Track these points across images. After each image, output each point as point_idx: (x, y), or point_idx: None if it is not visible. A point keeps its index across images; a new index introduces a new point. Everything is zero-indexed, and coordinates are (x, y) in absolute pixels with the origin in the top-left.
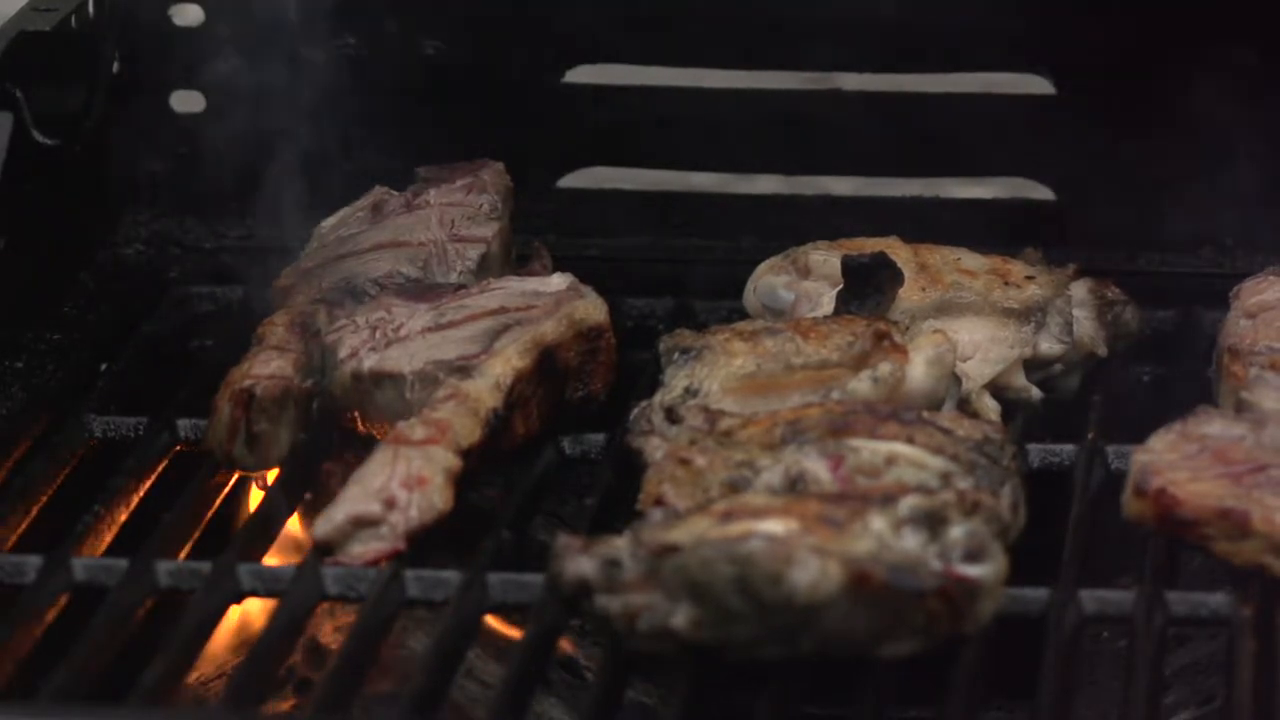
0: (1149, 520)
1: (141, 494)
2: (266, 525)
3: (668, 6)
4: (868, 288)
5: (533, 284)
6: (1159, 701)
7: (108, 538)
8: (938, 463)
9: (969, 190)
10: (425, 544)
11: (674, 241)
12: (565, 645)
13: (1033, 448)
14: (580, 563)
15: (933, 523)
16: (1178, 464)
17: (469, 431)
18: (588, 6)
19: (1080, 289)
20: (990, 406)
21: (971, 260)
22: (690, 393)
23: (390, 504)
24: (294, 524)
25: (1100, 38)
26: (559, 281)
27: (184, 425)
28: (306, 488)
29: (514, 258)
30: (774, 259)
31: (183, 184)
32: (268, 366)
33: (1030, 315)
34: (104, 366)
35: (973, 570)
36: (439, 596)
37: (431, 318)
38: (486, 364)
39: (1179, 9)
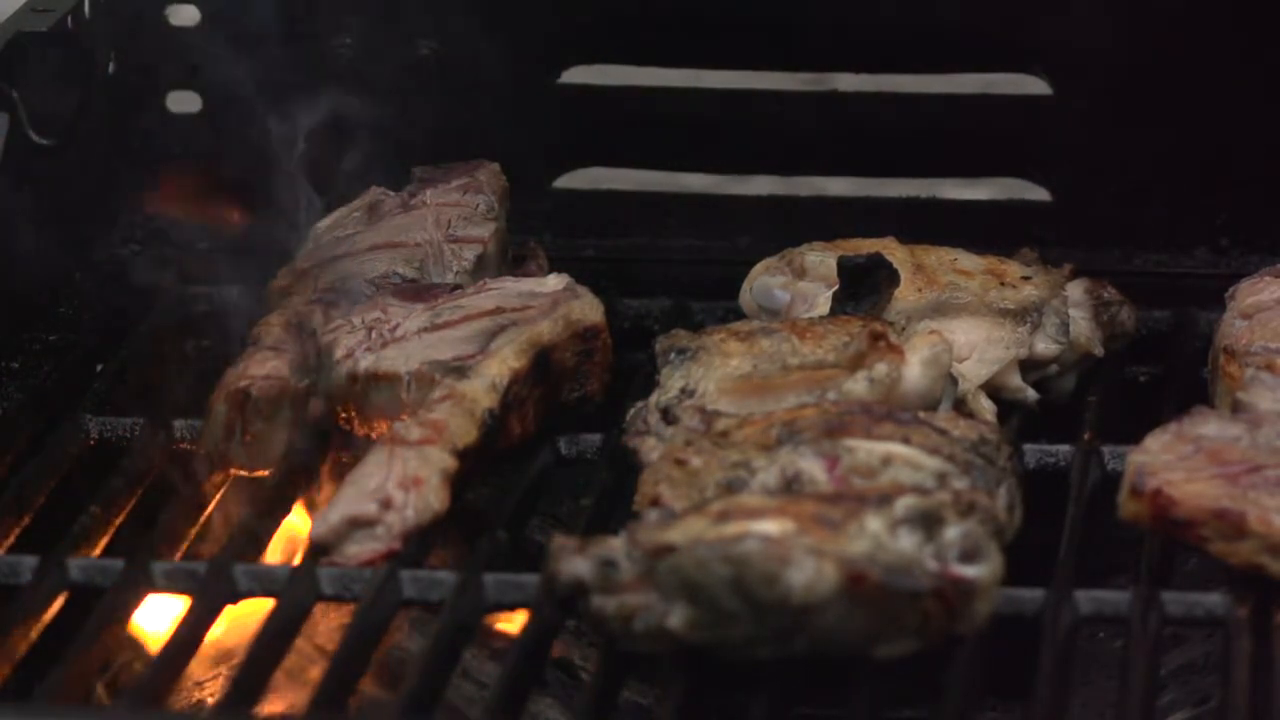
0: (1145, 520)
1: (138, 495)
2: (262, 526)
3: (665, 6)
4: (863, 288)
5: (529, 284)
6: (1154, 702)
7: (104, 538)
8: (933, 463)
9: (965, 191)
10: (421, 544)
11: (670, 242)
12: (561, 645)
13: (1029, 448)
14: (576, 563)
15: (928, 523)
16: (1173, 464)
17: (465, 432)
18: (584, 6)
19: (1076, 289)
20: (986, 407)
21: (967, 261)
22: (686, 393)
23: (386, 505)
24: (290, 525)
25: (1096, 38)
26: (555, 282)
27: (180, 426)
28: (302, 488)
29: (510, 258)
30: (770, 259)
31: (179, 184)
32: (263, 367)
33: (1026, 315)
34: (100, 367)
35: (968, 570)
36: (435, 597)
37: (427, 318)
38: (482, 364)
39: (1176, 9)
